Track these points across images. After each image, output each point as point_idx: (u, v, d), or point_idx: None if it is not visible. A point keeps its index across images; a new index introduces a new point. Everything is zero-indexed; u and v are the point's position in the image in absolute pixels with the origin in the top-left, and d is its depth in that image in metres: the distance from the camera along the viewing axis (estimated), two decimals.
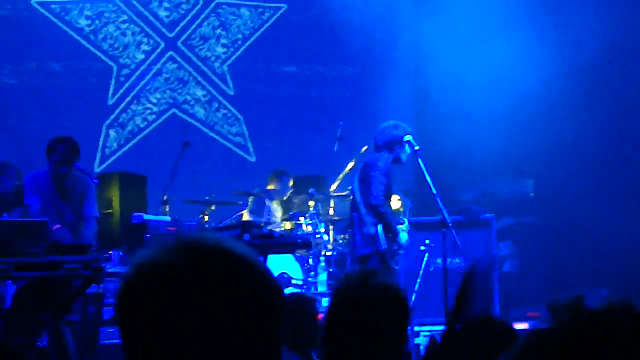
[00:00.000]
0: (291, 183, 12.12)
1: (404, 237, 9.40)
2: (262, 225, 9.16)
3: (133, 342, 1.62)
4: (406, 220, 9.64)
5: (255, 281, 1.66)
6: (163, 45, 14.27)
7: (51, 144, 8.51)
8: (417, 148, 9.40)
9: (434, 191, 9.44)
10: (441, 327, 9.34)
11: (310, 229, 11.30)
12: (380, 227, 9.20)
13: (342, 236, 11.70)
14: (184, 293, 1.60)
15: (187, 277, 1.61)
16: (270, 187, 12.09)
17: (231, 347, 1.61)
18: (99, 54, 13.98)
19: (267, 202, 11.84)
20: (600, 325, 1.74)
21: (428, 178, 9.43)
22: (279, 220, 11.65)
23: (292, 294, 8.07)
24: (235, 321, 1.61)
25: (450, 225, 9.50)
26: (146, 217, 10.74)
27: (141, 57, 14.18)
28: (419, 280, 10.30)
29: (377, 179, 9.18)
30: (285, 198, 12.15)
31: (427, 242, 10.35)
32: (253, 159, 14.44)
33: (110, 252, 8.55)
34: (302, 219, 11.44)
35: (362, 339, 3.29)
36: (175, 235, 1.67)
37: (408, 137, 9.41)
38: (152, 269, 1.63)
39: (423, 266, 10.38)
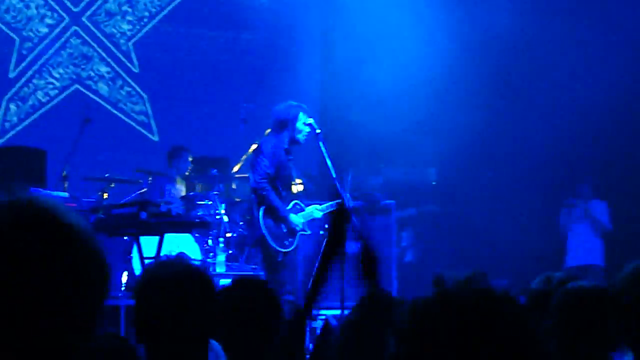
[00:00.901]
0: (190, 159, 12.07)
1: (295, 219, 9.46)
2: (160, 203, 9.08)
3: None
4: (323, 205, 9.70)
5: (83, 253, 1.64)
6: (67, 19, 14.02)
7: None
8: (318, 131, 9.42)
9: (334, 175, 9.48)
10: (337, 311, 9.39)
11: (210, 210, 11.25)
12: (261, 211, 9.27)
13: (243, 218, 11.68)
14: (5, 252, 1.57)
15: (10, 237, 1.58)
16: (171, 165, 12.02)
17: (43, 315, 1.59)
18: (0, 25, 13.69)
19: (168, 183, 11.76)
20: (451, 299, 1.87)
21: (329, 162, 9.45)
22: (179, 199, 11.57)
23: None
24: (53, 289, 1.59)
25: (349, 209, 9.54)
26: (44, 192, 10.57)
27: (44, 30, 13.92)
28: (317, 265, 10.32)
29: (260, 162, 9.29)
30: (186, 174, 12.08)
31: (327, 226, 10.36)
32: (156, 138, 14.30)
33: None
34: (202, 199, 11.38)
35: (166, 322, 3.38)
36: (8, 195, 1.64)
37: (310, 120, 9.44)
38: None
39: (322, 250, 10.39)
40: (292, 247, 9.51)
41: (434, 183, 14.64)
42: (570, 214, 13.10)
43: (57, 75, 13.94)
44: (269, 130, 10.19)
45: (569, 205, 13.09)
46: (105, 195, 11.04)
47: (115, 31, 14.27)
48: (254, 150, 9.51)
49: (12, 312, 1.56)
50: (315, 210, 9.79)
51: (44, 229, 1.61)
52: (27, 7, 13.81)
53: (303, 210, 9.71)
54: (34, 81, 13.85)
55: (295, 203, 9.69)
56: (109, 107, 14.14)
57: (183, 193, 11.81)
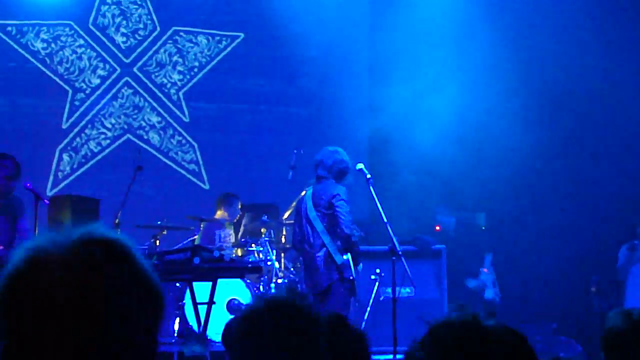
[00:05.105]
0: (239, 206, 12.16)
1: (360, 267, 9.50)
2: (214, 249, 9.14)
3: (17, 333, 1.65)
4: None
5: (148, 278, 1.74)
6: (119, 70, 14.26)
7: None
8: (368, 176, 9.45)
9: (385, 219, 9.49)
10: (389, 356, 9.37)
11: (261, 255, 11.30)
12: (349, 255, 9.24)
13: (294, 264, 11.72)
14: (63, 281, 1.64)
15: (69, 265, 1.66)
16: (219, 212, 12.10)
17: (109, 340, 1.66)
18: (54, 77, 13.94)
19: (218, 229, 11.82)
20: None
21: (379, 206, 9.47)
22: (230, 245, 11.64)
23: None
24: (128, 315, 1.68)
25: (400, 253, 9.53)
26: None
27: (97, 81, 14.16)
28: (368, 309, 10.33)
29: (344, 208, 9.21)
30: (235, 220, 12.16)
31: (378, 271, 10.37)
32: (207, 187, 14.42)
33: None
34: (253, 245, 11.44)
35: None
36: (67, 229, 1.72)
37: (360, 165, 9.48)
38: (37, 260, 1.67)
39: (373, 295, 10.41)
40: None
41: (483, 228, 14.60)
42: (632, 256, 12.92)
43: (109, 126, 14.15)
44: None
45: (631, 249, 12.88)
46: (157, 242, 11.15)
47: (166, 81, 14.47)
48: (327, 196, 9.33)
49: (94, 341, 1.63)
50: None
51: (125, 260, 1.73)
52: (80, 59, 14.07)
53: None
54: (87, 131, 14.07)
55: None
56: (160, 156, 14.30)
57: (233, 239, 11.89)
